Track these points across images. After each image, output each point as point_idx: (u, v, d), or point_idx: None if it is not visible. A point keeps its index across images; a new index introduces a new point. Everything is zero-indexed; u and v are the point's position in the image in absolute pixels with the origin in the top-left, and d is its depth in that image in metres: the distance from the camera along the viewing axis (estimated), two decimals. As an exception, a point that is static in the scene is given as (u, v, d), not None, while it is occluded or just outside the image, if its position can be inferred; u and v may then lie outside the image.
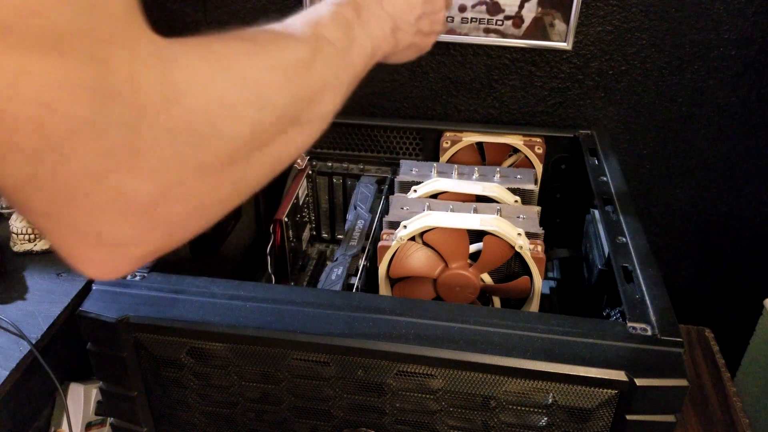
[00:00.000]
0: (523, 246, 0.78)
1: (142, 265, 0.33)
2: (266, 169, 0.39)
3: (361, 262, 0.84)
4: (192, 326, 0.62)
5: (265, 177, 0.40)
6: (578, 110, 1.14)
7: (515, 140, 1.02)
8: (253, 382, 0.65)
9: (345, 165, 1.10)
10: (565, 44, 1.06)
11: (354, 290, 0.80)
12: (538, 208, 0.85)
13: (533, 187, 0.92)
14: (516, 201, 0.88)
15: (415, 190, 0.90)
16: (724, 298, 1.29)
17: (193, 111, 0.31)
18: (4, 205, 0.99)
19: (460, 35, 1.08)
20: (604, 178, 0.89)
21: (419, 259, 0.80)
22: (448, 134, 1.03)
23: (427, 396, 0.61)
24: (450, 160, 1.03)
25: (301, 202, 1.06)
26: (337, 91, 0.47)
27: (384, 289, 0.83)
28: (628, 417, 0.57)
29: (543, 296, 0.83)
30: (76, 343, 0.67)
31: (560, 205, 1.06)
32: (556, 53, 1.09)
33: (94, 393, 0.91)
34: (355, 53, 0.51)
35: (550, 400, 0.58)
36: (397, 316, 0.62)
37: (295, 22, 0.46)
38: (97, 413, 0.92)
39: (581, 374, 0.56)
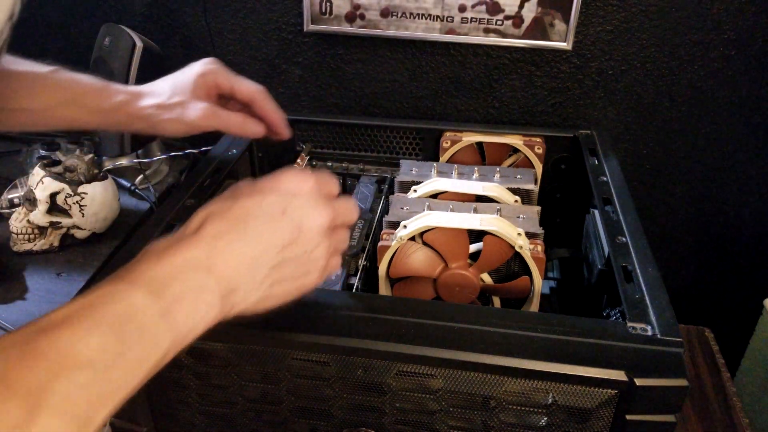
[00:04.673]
0: (523, 246, 0.78)
1: None
2: None
3: (361, 262, 0.84)
4: (192, 326, 0.62)
5: None
6: (578, 110, 1.14)
7: (515, 140, 1.02)
8: (253, 382, 0.65)
9: (345, 165, 1.10)
10: (565, 44, 1.06)
11: (354, 290, 0.80)
12: (538, 208, 0.85)
13: (533, 187, 0.92)
14: (516, 201, 0.88)
15: (415, 190, 0.90)
16: (724, 298, 1.29)
17: None
18: (3, 206, 0.99)
19: (460, 35, 1.08)
20: (604, 178, 0.89)
21: (419, 259, 0.80)
22: (448, 134, 1.03)
23: (427, 396, 0.61)
24: (450, 160, 1.03)
25: (301, 202, 1.05)
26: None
27: (384, 289, 0.83)
28: (628, 417, 0.57)
29: (543, 296, 0.83)
30: (76, 343, 0.67)
31: (560, 205, 1.06)
32: (556, 53, 1.09)
33: (94, 393, 0.91)
34: (132, 359, 0.40)
35: (550, 400, 0.58)
36: (397, 316, 0.62)
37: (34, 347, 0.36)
38: (97, 413, 0.92)
39: (581, 374, 0.56)
